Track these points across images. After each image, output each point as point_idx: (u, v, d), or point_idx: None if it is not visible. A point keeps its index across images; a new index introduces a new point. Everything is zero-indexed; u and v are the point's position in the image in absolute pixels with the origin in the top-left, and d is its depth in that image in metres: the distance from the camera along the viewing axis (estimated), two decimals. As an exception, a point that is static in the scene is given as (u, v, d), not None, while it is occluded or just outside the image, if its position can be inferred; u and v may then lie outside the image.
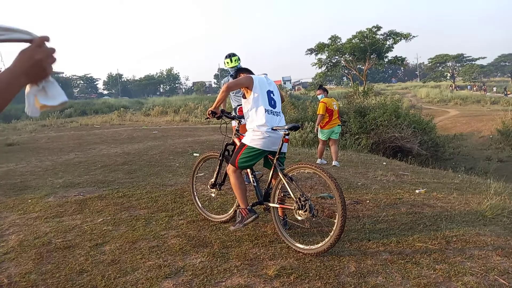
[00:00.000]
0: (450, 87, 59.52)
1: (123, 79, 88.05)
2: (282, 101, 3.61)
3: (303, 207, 2.90)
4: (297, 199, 2.95)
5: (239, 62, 5.13)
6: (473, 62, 65.03)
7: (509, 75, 74.75)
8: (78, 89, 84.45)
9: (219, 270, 2.69)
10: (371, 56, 26.81)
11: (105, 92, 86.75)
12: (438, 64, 69.37)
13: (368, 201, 4.21)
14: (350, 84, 27.82)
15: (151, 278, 2.62)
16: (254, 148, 3.19)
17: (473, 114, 24.80)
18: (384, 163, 8.13)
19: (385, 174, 6.02)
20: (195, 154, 8.25)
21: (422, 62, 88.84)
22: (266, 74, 3.65)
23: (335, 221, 2.78)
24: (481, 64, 65.95)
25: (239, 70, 3.65)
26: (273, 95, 3.34)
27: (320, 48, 27.85)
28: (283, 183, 3.06)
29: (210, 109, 3.44)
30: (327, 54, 27.93)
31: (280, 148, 3.15)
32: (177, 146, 9.88)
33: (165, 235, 3.41)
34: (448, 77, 67.82)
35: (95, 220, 3.94)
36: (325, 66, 28.90)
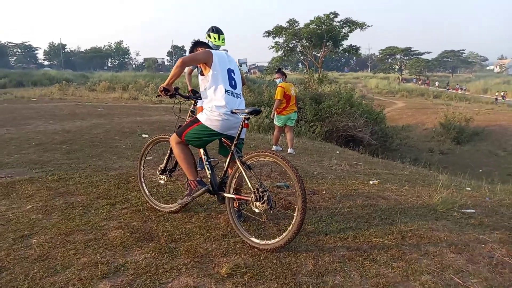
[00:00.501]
0: (398, 79, 62.51)
1: (66, 50, 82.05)
2: (243, 83, 3.33)
3: (261, 199, 2.69)
4: (255, 190, 2.73)
5: (224, 43, 4.53)
6: (419, 56, 68.60)
7: (450, 70, 79.92)
8: (15, 58, 77.56)
9: (165, 269, 2.41)
10: (327, 43, 27.10)
11: (46, 63, 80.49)
12: (388, 56, 72.42)
13: (324, 192, 4.11)
14: (305, 71, 28.04)
15: (84, 278, 2.29)
16: (208, 128, 2.93)
17: (417, 107, 26.17)
18: (337, 151, 8.21)
19: (339, 164, 6.00)
20: (144, 135, 7.76)
21: (373, 53, 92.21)
22: (227, 51, 3.33)
23: (294, 214, 2.61)
24: (427, 59, 69.75)
25: (197, 44, 3.27)
26: (234, 74, 3.06)
27: (277, 31, 27.62)
28: (241, 172, 2.82)
29: (162, 85, 3.06)
30: (285, 38, 27.78)
31: (239, 134, 2.91)
32: (124, 125, 9.27)
33: (104, 226, 3.05)
34: (396, 70, 71.12)
35: (23, 206, 3.46)
36: (282, 50, 28.79)
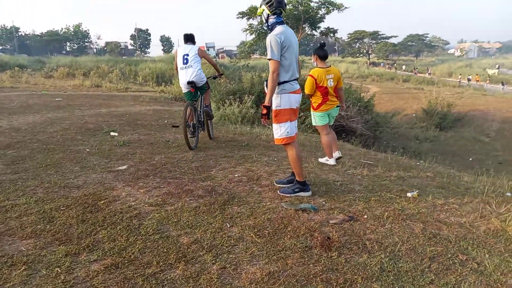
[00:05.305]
0: (366, 64, 62.78)
1: (20, 33, 75.95)
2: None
3: None
4: None
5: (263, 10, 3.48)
6: (387, 40, 69.06)
7: (415, 54, 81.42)
8: (-39, 41, 70.98)
9: None
10: (303, 26, 25.95)
11: (-2, 47, 74.30)
12: (356, 40, 72.44)
13: (365, 216, 3.13)
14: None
15: None
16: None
17: (393, 92, 25.83)
18: (336, 146, 7.26)
19: (354, 166, 5.05)
20: (112, 134, 6.45)
21: (340, 37, 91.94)
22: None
23: None
24: (393, 43, 70.40)
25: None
26: (188, 55, 5.43)
27: (252, 11, 26.06)
28: None
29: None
30: (259, 20, 26.31)
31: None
32: (87, 120, 7.87)
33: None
34: (363, 54, 71.43)
35: None
36: (256, 33, 27.34)
